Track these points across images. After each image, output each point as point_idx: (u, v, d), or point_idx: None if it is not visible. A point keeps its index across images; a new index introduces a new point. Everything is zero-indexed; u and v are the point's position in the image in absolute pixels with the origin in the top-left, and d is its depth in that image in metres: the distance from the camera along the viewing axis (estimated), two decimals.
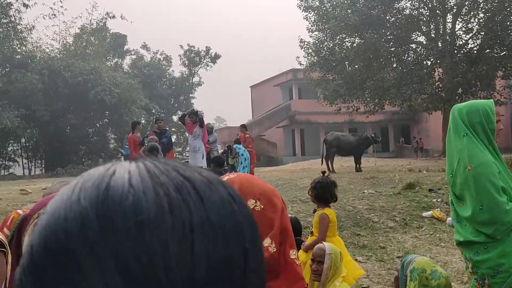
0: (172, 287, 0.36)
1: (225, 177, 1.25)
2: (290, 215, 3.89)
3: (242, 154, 11.31)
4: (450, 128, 2.61)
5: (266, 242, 1.17)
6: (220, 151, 14.42)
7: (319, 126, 32.77)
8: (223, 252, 0.38)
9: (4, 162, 29.06)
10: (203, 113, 12.19)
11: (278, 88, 35.97)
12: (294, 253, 1.22)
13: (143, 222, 0.36)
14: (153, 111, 34.51)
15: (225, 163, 12.29)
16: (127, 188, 0.38)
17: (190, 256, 0.37)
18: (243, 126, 12.94)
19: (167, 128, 11.43)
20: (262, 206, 1.21)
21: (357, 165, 14.97)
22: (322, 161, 15.26)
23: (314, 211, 3.94)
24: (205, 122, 12.47)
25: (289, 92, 35.78)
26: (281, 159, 31.05)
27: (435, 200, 8.65)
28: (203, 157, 10.19)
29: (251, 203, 1.20)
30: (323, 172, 4.02)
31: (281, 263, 1.18)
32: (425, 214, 7.92)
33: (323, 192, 3.82)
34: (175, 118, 38.56)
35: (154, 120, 11.66)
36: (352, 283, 3.41)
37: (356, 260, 5.69)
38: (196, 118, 10.14)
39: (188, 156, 10.26)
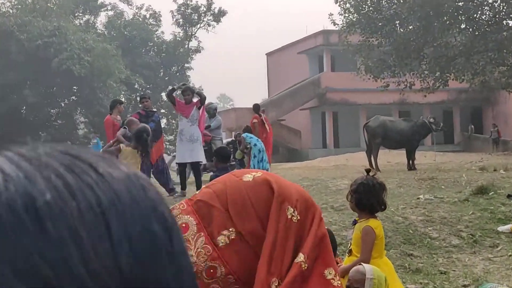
0: (95, 280, 0.37)
1: (247, 176, 1.28)
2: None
3: (255, 145, 11.38)
4: None
5: (300, 257, 1.22)
6: (226, 140, 14.49)
7: (358, 108, 32.66)
8: (145, 232, 0.41)
9: None
10: (202, 90, 12.23)
11: (303, 57, 35.90)
12: (331, 272, 1.24)
13: (39, 211, 0.37)
14: (136, 86, 34.77)
15: (232, 156, 12.38)
16: (0, 177, 0.38)
17: (108, 241, 0.39)
18: (256, 108, 13.03)
19: (155, 109, 11.55)
20: (299, 217, 1.26)
21: (410, 162, 14.95)
22: (369, 156, 15.22)
23: (354, 222, 3.97)
24: (208, 103, 12.58)
25: (318, 61, 35.68)
26: (306, 152, 31.08)
27: None
28: (202, 148, 10.28)
29: (289, 212, 1.25)
30: (368, 171, 4.04)
31: (312, 284, 1.21)
32: (501, 228, 7.88)
33: (368, 198, 3.85)
34: (164, 96, 38.80)
35: (138, 98, 11.78)
36: None
37: None
38: (191, 95, 10.21)
39: (179, 148, 10.30)
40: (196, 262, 1.16)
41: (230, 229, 1.19)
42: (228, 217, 1.21)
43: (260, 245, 1.20)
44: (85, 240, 0.38)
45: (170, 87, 13.89)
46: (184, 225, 1.19)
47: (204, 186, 1.30)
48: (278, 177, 1.40)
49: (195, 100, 10.33)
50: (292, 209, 1.25)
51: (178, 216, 1.20)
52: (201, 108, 10.34)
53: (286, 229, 1.22)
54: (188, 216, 1.21)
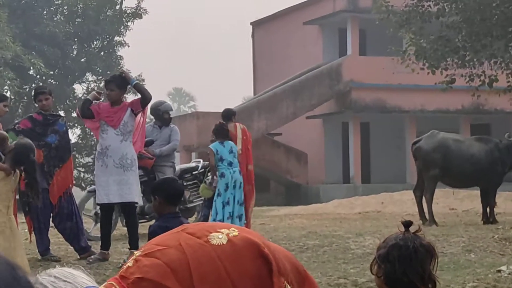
0: None
1: (215, 237, 1.31)
2: None
3: (222, 175, 11.56)
4: None
5: None
6: (180, 167, 14.64)
7: (403, 117, 32.91)
8: None
9: None
10: (143, 82, 12.11)
11: (314, 29, 36.17)
12: None
13: None
14: (31, 72, 34.74)
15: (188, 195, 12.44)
16: None
17: None
18: (228, 114, 13.00)
19: (60, 113, 11.56)
20: None
21: (488, 209, 15.04)
22: (419, 197, 15.27)
23: None
24: (156, 102, 12.63)
25: (339, 38, 35.99)
26: (316, 190, 31.21)
27: None
28: (139, 180, 10.32)
29: None
30: (407, 224, 4.05)
31: None
32: None
33: (405, 270, 3.86)
34: (80, 88, 38.77)
35: (33, 92, 11.79)
36: None
37: None
38: (121, 90, 10.28)
39: (100, 179, 10.32)
40: None
41: None
42: None
43: None
44: None
45: (84, 97, 13.47)
46: None
47: (141, 253, 1.28)
48: (258, 235, 1.41)
49: (129, 99, 10.40)
50: (287, 285, 1.32)
51: None
52: (141, 113, 10.39)
53: None
54: None
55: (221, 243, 1.26)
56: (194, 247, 1.25)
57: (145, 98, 10.30)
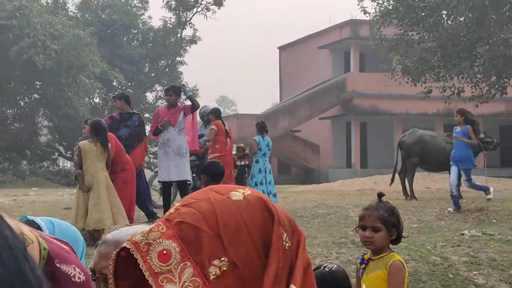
0: None
1: (235, 194, 1.31)
2: (336, 266, 3.94)
3: (257, 161, 11.47)
4: None
5: None
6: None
7: (392, 119, 32.69)
8: None
9: None
10: (197, 91, 12.14)
11: (325, 53, 36.05)
12: None
13: None
14: (114, 83, 34.92)
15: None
16: None
17: None
18: (218, 112, 12.28)
19: (136, 111, 11.58)
20: (289, 244, 1.30)
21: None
22: (393, 178, 15.28)
23: (363, 260, 3.97)
24: (203, 106, 12.59)
25: (344, 59, 35.82)
26: (325, 173, 31.09)
27: None
28: (189, 165, 10.36)
29: (284, 238, 1.29)
30: (380, 195, 4.07)
31: None
32: None
33: (399, 225, 3.90)
34: (150, 96, 38.95)
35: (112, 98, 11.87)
36: None
37: None
38: (175, 96, 10.32)
39: (162, 163, 10.36)
40: None
41: (222, 259, 1.21)
42: (220, 244, 1.22)
43: (252, 276, 1.22)
44: None
45: (153, 102, 13.55)
46: (165, 252, 1.20)
47: (180, 203, 1.29)
48: (264, 195, 1.42)
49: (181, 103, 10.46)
50: (285, 235, 1.29)
51: (157, 240, 1.21)
52: (192, 116, 10.43)
53: (284, 258, 1.26)
54: (170, 241, 1.21)
55: (239, 199, 1.26)
56: (219, 200, 1.25)
57: (194, 106, 10.41)
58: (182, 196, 10.64)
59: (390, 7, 22.33)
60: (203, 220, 1.22)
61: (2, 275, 0.73)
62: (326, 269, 3.55)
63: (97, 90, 31.38)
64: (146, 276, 1.19)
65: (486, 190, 12.86)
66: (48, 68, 26.97)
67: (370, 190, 18.88)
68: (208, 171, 6.97)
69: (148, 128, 16.68)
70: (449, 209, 11.90)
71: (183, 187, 10.27)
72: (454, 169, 12.15)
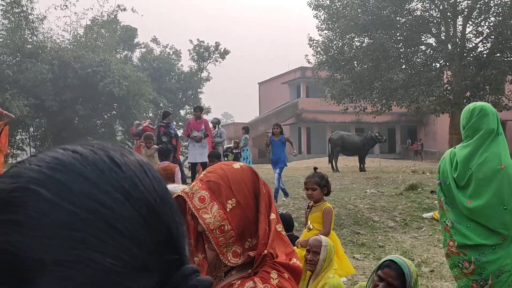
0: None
1: (236, 165, 1.31)
2: (281, 211, 3.97)
3: (246, 150, 11.29)
4: (483, 123, 2.58)
5: (272, 216, 1.28)
6: (226, 146, 14.40)
7: (325, 125, 32.72)
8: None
9: (12, 151, 29.37)
10: (210, 109, 11.76)
11: (286, 86, 35.96)
12: (280, 226, 1.30)
13: (115, 160, 0.49)
14: (160, 104, 34.60)
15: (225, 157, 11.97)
16: (89, 151, 0.49)
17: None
18: (166, 114, 10.83)
19: (172, 122, 11.40)
20: (265, 190, 1.31)
21: (361, 165, 15.03)
22: (329, 160, 15.33)
23: (308, 206, 4.00)
24: (213, 118, 12.42)
25: (296, 90, 35.73)
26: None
27: (436, 202, 8.66)
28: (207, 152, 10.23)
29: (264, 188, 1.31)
30: (315, 168, 4.08)
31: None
32: (425, 215, 7.96)
33: (328, 185, 3.90)
34: (182, 112, 38.67)
35: (161, 113, 11.68)
36: (342, 277, 3.49)
37: (354, 257, 5.77)
38: (200, 113, 10.19)
39: (191, 151, 10.24)
40: (213, 222, 1.20)
41: (232, 199, 1.23)
42: (231, 192, 1.24)
43: (249, 210, 1.24)
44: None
45: (188, 108, 13.10)
46: (202, 197, 1.22)
47: (207, 171, 1.32)
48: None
49: (203, 120, 10.21)
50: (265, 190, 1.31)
51: (197, 191, 1.23)
52: (207, 134, 10.15)
53: (265, 199, 1.29)
54: (204, 191, 1.23)
55: (238, 167, 1.30)
56: (227, 169, 1.28)
57: (207, 135, 10.09)
58: (203, 170, 10.50)
59: (323, 59, 22.39)
60: (220, 179, 1.26)
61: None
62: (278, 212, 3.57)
63: (150, 109, 31.18)
64: (192, 211, 1.22)
65: (285, 194, 8.83)
66: (121, 96, 26.85)
67: (312, 166, 18.91)
68: (214, 156, 6.98)
69: (181, 131, 16.30)
70: (283, 198, 8.67)
71: (204, 165, 10.21)
72: (275, 170, 8.98)
